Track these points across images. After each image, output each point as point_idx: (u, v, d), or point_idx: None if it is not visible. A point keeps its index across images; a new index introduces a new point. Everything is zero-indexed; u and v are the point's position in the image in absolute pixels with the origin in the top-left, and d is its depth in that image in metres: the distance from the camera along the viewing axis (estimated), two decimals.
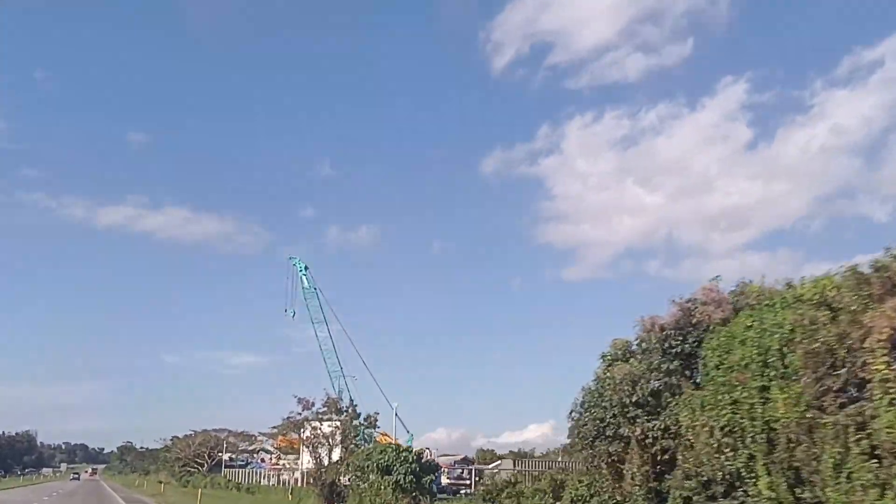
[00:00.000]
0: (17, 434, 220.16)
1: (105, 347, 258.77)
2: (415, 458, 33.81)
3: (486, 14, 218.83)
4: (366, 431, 45.32)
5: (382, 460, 33.46)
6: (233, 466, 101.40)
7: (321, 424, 45.87)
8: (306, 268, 73.89)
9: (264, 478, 79.14)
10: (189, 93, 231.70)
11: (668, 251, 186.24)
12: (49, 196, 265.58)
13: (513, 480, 31.91)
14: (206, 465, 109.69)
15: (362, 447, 40.28)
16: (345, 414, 45.32)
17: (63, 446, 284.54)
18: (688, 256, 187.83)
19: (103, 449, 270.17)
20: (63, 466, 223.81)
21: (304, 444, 45.74)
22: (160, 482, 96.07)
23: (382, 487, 32.61)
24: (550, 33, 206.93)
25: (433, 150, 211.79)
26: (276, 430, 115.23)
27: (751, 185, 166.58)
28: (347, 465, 39.42)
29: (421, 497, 34.03)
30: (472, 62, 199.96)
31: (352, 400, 45.72)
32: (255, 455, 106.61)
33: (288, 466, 72.80)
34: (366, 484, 35.50)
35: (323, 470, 44.72)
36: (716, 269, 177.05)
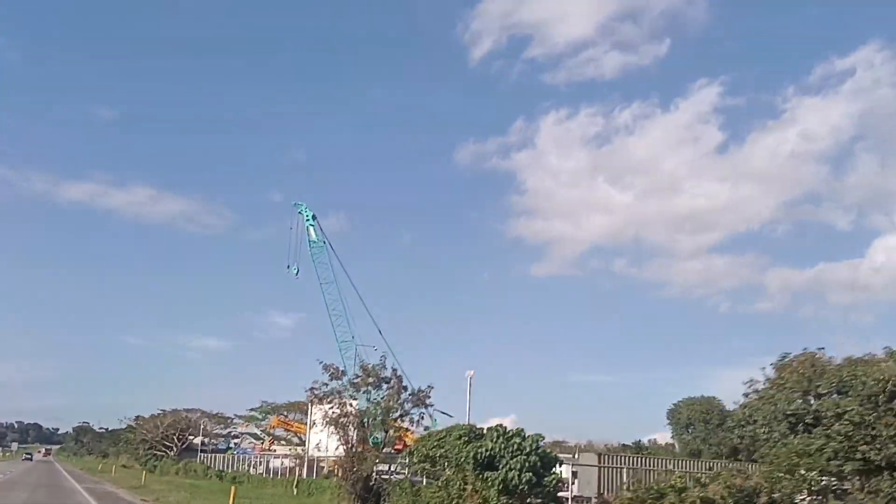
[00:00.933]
0: None
1: (62, 325, 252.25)
2: (534, 446, 22.75)
3: (466, 2, 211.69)
4: (414, 411, 34.29)
5: (482, 450, 22.45)
6: (206, 451, 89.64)
7: (353, 398, 34.78)
8: (314, 217, 62.45)
9: (249, 465, 67.34)
10: (158, 69, 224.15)
11: (635, 250, 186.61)
12: (10, 169, 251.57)
13: (678, 485, 21.15)
14: (175, 448, 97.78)
15: (427, 430, 29.16)
16: (389, 386, 34.23)
17: (15, 425, 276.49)
18: (654, 256, 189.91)
19: (58, 429, 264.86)
20: (14, 446, 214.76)
21: (328, 425, 34.60)
22: (124, 466, 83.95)
23: (479, 488, 21.67)
24: (529, 26, 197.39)
25: (407, 140, 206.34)
26: (254, 413, 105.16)
27: (719, 188, 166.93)
28: (405, 454, 28.47)
29: None
30: (450, 52, 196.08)
31: (395, 369, 34.68)
32: (234, 439, 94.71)
33: (289, 453, 61.39)
34: (441, 481, 24.57)
35: (354, 459, 33.64)
36: (682, 271, 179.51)
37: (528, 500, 22.65)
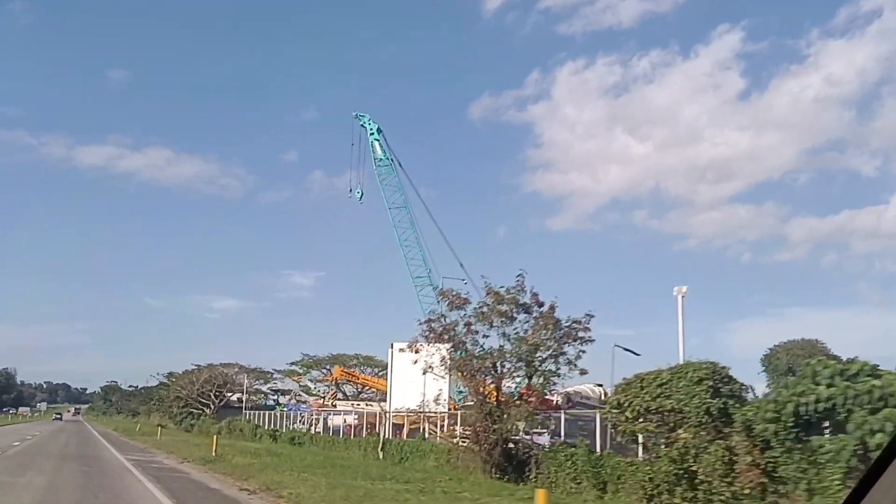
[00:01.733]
0: None
1: (86, 288, 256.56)
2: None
3: None
4: (569, 349, 24.69)
5: (811, 399, 12.92)
6: (245, 408, 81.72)
7: (484, 335, 25.33)
8: (379, 130, 52.45)
9: (304, 423, 58.68)
10: (172, 29, 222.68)
11: (654, 202, 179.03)
12: (29, 134, 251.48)
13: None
14: (212, 406, 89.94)
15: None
16: (536, 315, 24.73)
17: (44, 385, 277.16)
18: (674, 207, 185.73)
19: (86, 389, 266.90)
20: (43, 406, 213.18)
21: (451, 370, 25.41)
22: (160, 426, 75.98)
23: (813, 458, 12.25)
24: None
25: (420, 95, 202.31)
26: (294, 367, 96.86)
27: (740, 137, 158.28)
28: (609, 403, 19.18)
29: None
30: (463, 5, 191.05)
31: (535, 293, 25.04)
32: (283, 395, 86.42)
33: (352, 409, 52.56)
34: (670, 448, 15.29)
35: (490, 415, 24.41)
36: (702, 222, 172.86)
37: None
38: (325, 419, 55.89)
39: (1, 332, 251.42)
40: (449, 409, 35.69)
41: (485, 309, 25.48)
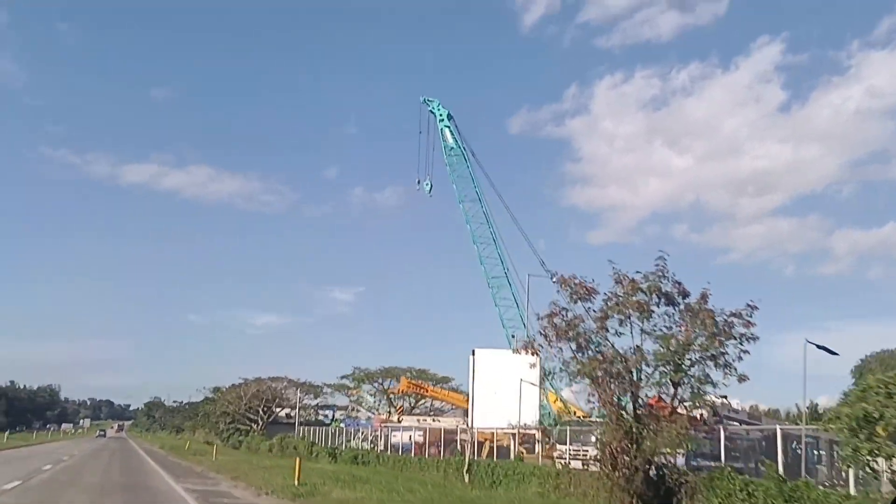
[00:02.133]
0: (38, 388, 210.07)
1: (130, 305, 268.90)
2: None
3: None
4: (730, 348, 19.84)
5: None
6: (293, 423, 77.68)
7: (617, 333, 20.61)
8: (450, 116, 48.16)
9: (364, 439, 54.30)
10: (213, 48, 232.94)
11: (695, 215, 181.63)
12: (73, 152, 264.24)
13: None
14: (260, 421, 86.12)
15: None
16: (684, 309, 20.02)
17: (88, 402, 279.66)
18: (715, 221, 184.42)
19: (129, 405, 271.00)
20: (87, 422, 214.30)
21: (576, 377, 20.73)
22: (207, 443, 72.30)
23: None
24: None
25: (458, 110, 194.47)
26: (345, 381, 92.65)
27: (781, 149, 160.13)
28: (827, 419, 14.41)
29: None
30: (502, 19, 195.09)
31: (678, 281, 20.24)
32: (339, 411, 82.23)
33: (418, 424, 48.00)
34: None
35: (629, 434, 19.67)
36: (744, 235, 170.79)
37: None
38: (388, 436, 51.49)
39: (46, 349, 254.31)
40: (555, 424, 30.96)
41: (617, 301, 20.75)
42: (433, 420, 53.12)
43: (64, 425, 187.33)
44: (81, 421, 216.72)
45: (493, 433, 34.74)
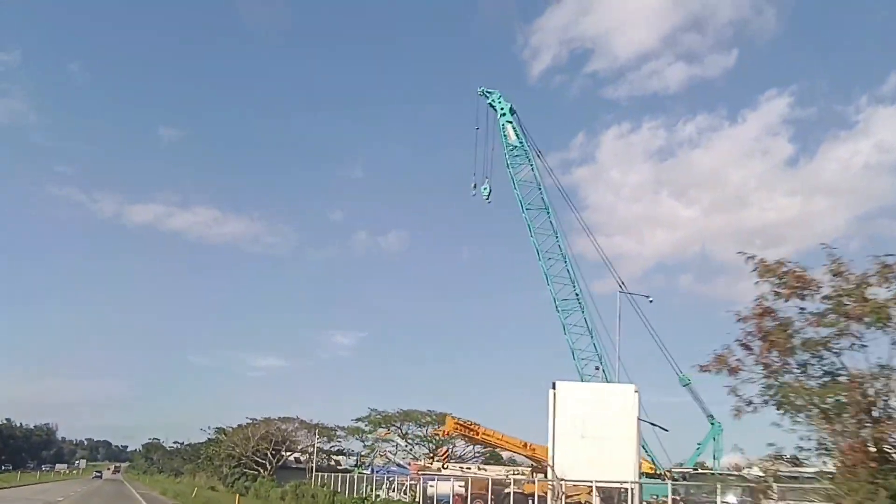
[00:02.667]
0: (35, 427, 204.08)
1: (130, 345, 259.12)
2: None
3: (525, 17, 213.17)
4: None
5: None
6: (311, 468, 69.51)
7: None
8: (512, 111, 41.39)
9: (396, 489, 46.29)
10: (220, 89, 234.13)
11: (701, 266, 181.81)
12: (80, 191, 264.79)
13: None
14: (268, 465, 78.01)
15: None
16: None
17: (85, 442, 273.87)
18: (722, 273, 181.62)
19: (126, 447, 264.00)
20: (83, 463, 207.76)
21: (792, 406, 13.42)
22: (212, 489, 64.18)
23: None
24: (590, 39, 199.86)
25: (464, 157, 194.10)
26: (359, 423, 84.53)
27: (789, 202, 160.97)
28: None
29: None
30: (509, 68, 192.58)
31: None
32: (362, 457, 73.97)
33: (462, 473, 40.11)
34: None
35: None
36: (751, 287, 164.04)
37: None
38: (424, 486, 43.61)
39: (44, 387, 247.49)
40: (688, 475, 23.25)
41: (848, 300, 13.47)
42: (479, 469, 45.21)
43: (58, 466, 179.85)
44: (77, 462, 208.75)
45: (590, 487, 26.65)
